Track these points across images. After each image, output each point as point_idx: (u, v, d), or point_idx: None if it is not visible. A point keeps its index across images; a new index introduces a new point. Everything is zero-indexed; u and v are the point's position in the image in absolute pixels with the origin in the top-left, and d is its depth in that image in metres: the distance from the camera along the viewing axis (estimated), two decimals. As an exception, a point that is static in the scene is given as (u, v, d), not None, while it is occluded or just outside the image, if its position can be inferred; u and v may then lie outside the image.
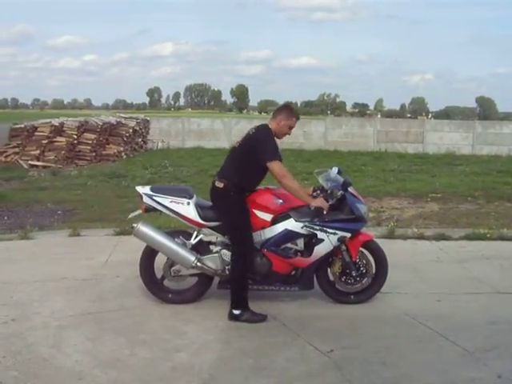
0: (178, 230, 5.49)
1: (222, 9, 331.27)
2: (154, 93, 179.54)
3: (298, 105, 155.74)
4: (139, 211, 5.31)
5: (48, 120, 20.17)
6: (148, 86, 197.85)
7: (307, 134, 26.92)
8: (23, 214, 9.89)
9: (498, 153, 25.95)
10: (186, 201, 5.14)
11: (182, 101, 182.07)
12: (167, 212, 5.18)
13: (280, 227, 5.07)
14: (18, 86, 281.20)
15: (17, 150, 18.74)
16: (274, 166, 4.91)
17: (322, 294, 5.36)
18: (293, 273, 5.24)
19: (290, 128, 5.17)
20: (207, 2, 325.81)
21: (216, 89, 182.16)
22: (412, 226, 8.54)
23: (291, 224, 5.07)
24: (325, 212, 4.99)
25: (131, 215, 5.40)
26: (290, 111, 5.21)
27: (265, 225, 5.08)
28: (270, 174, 5.03)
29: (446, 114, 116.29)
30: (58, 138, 19.07)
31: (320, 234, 5.07)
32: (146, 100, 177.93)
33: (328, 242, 5.08)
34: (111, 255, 6.77)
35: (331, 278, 5.33)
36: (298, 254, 5.12)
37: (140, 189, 5.30)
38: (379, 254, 5.35)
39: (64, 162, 18.51)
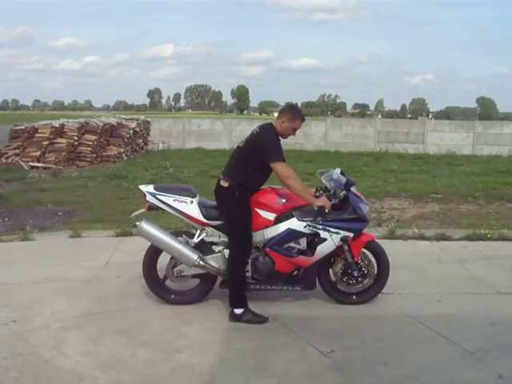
0: (181, 230, 5.47)
1: (222, 10, 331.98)
2: (154, 94, 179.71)
3: (299, 105, 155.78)
4: (142, 210, 5.32)
5: (48, 121, 20.17)
6: (148, 88, 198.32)
7: (308, 135, 26.90)
8: (24, 215, 9.89)
9: (499, 153, 25.94)
10: (189, 199, 5.15)
11: (182, 102, 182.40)
12: (170, 211, 5.19)
13: (283, 226, 5.07)
14: (18, 88, 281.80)
15: (17, 151, 18.73)
16: (278, 166, 4.91)
17: (323, 294, 5.37)
18: (295, 273, 5.25)
19: (294, 130, 5.14)
20: (208, 3, 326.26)
21: (216, 90, 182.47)
22: (413, 227, 8.54)
23: (294, 223, 5.07)
24: (327, 211, 4.99)
25: (134, 214, 5.41)
26: (294, 113, 5.16)
27: (268, 224, 5.08)
28: (273, 174, 5.04)
29: (447, 115, 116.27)
30: (59, 140, 19.06)
31: (323, 234, 5.07)
32: (147, 101, 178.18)
33: (331, 241, 5.08)
34: (112, 256, 6.77)
35: (333, 278, 5.34)
36: (301, 253, 5.13)
37: (143, 187, 5.31)
38: (381, 254, 5.35)
39: (64, 164, 18.50)
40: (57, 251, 7.11)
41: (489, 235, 7.83)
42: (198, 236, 5.20)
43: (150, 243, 5.24)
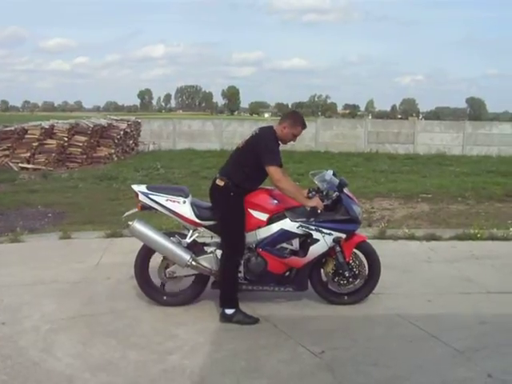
0: (173, 230, 5.45)
1: (214, 11, 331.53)
2: (145, 95, 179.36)
3: (290, 106, 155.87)
4: (135, 210, 5.31)
5: (38, 122, 20.08)
6: (139, 88, 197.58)
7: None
8: (13, 216, 9.83)
9: (488, 153, 26.14)
10: (181, 199, 5.14)
11: (173, 103, 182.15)
12: (163, 210, 5.18)
13: (275, 227, 5.08)
14: (8, 89, 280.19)
15: (7, 152, 18.63)
16: (271, 170, 4.90)
17: (314, 295, 5.37)
18: (287, 273, 5.25)
19: (295, 136, 5.12)
20: (199, 4, 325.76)
21: (207, 90, 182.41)
22: (403, 227, 8.56)
23: (287, 224, 5.07)
24: (319, 211, 5.00)
25: (126, 214, 5.39)
26: (295, 119, 5.12)
27: (260, 224, 5.08)
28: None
29: (437, 115, 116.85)
30: (49, 141, 18.98)
31: (315, 234, 5.08)
32: (137, 102, 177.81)
33: (323, 242, 5.09)
34: (102, 258, 6.74)
35: (324, 278, 5.35)
36: (293, 254, 5.13)
37: (136, 187, 5.29)
38: (372, 255, 5.37)
39: (55, 165, 18.42)
40: (47, 253, 7.08)
41: (478, 235, 7.87)
42: (191, 236, 5.19)
43: (141, 244, 5.23)
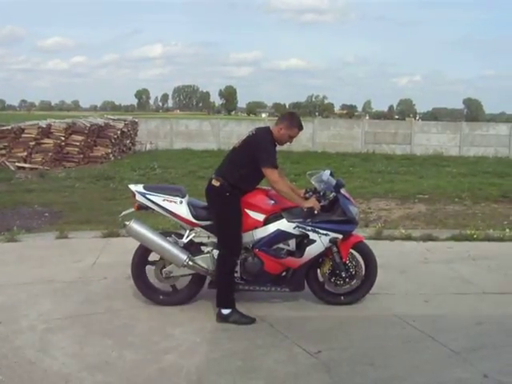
0: (170, 230, 5.45)
1: (212, 10, 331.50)
2: (142, 94, 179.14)
3: (287, 106, 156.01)
4: (131, 209, 5.30)
5: (35, 122, 20.01)
6: (136, 88, 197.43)
7: (295, 136, 26.91)
8: (10, 216, 9.81)
9: (485, 154, 26.20)
10: (178, 199, 5.14)
11: (170, 102, 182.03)
12: (160, 210, 5.17)
13: (272, 227, 5.08)
14: (4, 88, 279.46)
15: (3, 151, 18.58)
16: (267, 171, 4.91)
17: (311, 295, 5.37)
18: (283, 274, 5.25)
19: (291, 137, 5.12)
20: (197, 4, 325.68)
21: (204, 90, 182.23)
22: (399, 227, 8.57)
23: (283, 224, 5.08)
24: (316, 212, 5.01)
25: (123, 213, 5.39)
26: (292, 121, 5.11)
27: (257, 225, 5.09)
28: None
29: (434, 116, 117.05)
30: (46, 140, 18.94)
31: (312, 235, 5.08)
32: (135, 102, 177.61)
33: (320, 242, 5.10)
34: (99, 257, 6.74)
35: (321, 278, 5.35)
36: (290, 254, 5.14)
37: (133, 187, 5.28)
38: (369, 255, 5.37)
39: (51, 164, 18.39)
40: (43, 252, 7.07)
41: (475, 236, 7.88)
42: (187, 236, 5.19)
43: (138, 243, 5.22)
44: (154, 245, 5.09)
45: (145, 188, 5.25)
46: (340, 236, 5.14)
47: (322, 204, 5.09)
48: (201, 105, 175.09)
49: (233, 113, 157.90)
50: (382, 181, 15.16)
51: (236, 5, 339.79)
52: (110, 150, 20.67)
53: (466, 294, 5.76)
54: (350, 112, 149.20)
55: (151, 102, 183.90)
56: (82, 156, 19.40)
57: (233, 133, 26.69)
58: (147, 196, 5.16)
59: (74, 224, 8.84)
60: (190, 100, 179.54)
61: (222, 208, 5.01)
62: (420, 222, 9.56)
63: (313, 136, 27.99)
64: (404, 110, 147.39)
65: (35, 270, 6.23)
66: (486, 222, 9.32)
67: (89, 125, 20.29)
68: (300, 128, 5.15)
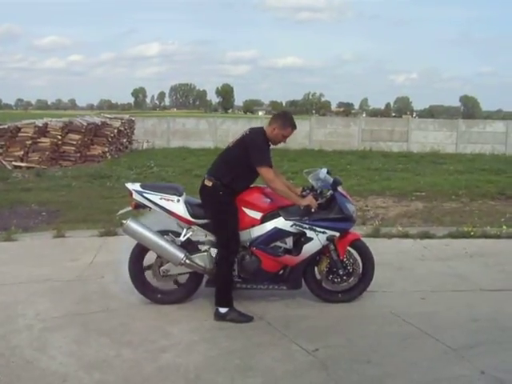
0: (167, 229, 5.45)
1: (208, 9, 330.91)
2: (139, 93, 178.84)
3: (284, 104, 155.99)
4: (128, 208, 5.30)
5: (32, 120, 19.98)
6: (133, 87, 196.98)
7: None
8: (7, 215, 9.79)
9: (482, 151, 26.24)
10: (175, 198, 5.14)
11: (167, 101, 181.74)
12: (157, 209, 5.17)
13: (269, 226, 5.08)
14: (1, 87, 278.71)
15: (0, 150, 18.55)
16: (262, 170, 4.92)
17: (308, 293, 5.38)
18: (281, 272, 5.26)
19: (285, 137, 5.11)
20: (194, 3, 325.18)
21: (201, 89, 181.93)
22: (397, 225, 8.58)
23: (280, 222, 5.08)
24: (313, 210, 5.01)
25: (120, 212, 5.39)
26: (285, 120, 5.11)
27: (254, 223, 5.09)
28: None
29: (431, 113, 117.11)
30: (42, 139, 18.89)
31: (309, 233, 5.09)
32: (131, 100, 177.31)
33: (317, 240, 5.10)
34: (96, 256, 6.73)
35: (318, 276, 5.36)
36: (287, 252, 5.14)
37: (130, 185, 5.28)
38: (366, 253, 5.38)
39: (48, 163, 18.35)
40: (40, 251, 7.06)
41: (472, 233, 7.90)
42: (185, 235, 5.19)
43: (135, 242, 5.22)
44: (152, 243, 5.09)
45: (142, 186, 5.24)
46: (337, 234, 5.14)
47: (319, 202, 5.10)
48: (198, 103, 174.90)
49: (230, 111, 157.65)
50: (379, 178, 15.16)
51: (233, 3, 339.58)
52: (106, 149, 20.64)
53: (462, 291, 5.77)
54: (346, 110, 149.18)
55: (148, 100, 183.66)
56: (78, 155, 19.37)
57: (230, 131, 26.69)
58: (144, 194, 5.16)
59: (71, 223, 8.82)
60: (187, 98, 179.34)
61: (217, 207, 5.01)
62: (417, 220, 9.57)
63: (309, 134, 28.01)
64: (401, 108, 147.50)
65: (32, 269, 6.22)
66: (483, 220, 9.34)
67: (85, 124, 20.25)
68: (293, 127, 5.14)
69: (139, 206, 5.23)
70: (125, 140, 23.68)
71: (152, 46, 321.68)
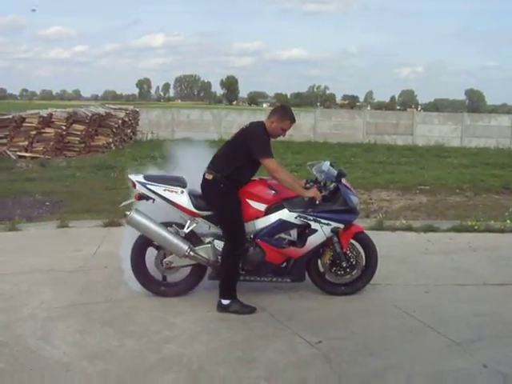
0: (171, 221, 5.45)
1: (214, 0, 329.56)
2: (143, 84, 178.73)
3: (288, 96, 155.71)
4: (132, 199, 5.29)
5: (36, 111, 19.98)
6: (138, 78, 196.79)
7: (297, 126, 26.69)
8: (11, 205, 9.81)
9: (487, 145, 26.13)
10: (179, 189, 5.13)
11: (171, 92, 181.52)
12: (160, 200, 5.16)
13: (274, 217, 5.08)
14: (6, 77, 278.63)
15: (4, 140, 18.55)
16: (266, 161, 4.93)
17: (312, 285, 5.38)
18: (284, 264, 5.26)
19: (283, 130, 5.10)
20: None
21: (206, 80, 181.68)
22: (400, 218, 8.57)
23: (285, 214, 5.08)
24: (317, 202, 5.01)
25: (124, 203, 5.38)
26: (284, 113, 5.10)
27: (259, 215, 5.09)
28: (262, 167, 5.05)
29: (436, 107, 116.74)
30: (47, 129, 18.90)
31: (314, 225, 5.09)
32: (136, 91, 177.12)
33: (321, 232, 5.10)
34: (100, 247, 6.74)
35: (321, 269, 5.36)
36: (292, 244, 5.14)
37: (133, 177, 5.26)
38: (369, 245, 5.38)
39: (52, 154, 18.36)
40: (44, 241, 7.08)
41: (476, 227, 7.89)
42: (188, 227, 5.18)
43: (138, 234, 5.21)
44: (155, 235, 5.09)
45: (145, 178, 5.23)
46: (341, 225, 5.14)
47: (323, 194, 5.10)
48: (202, 95, 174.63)
49: (234, 103, 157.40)
50: (384, 171, 15.12)
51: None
52: (111, 140, 20.64)
53: (466, 284, 5.76)
54: (351, 102, 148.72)
55: (152, 91, 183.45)
56: (83, 145, 19.37)
57: (234, 123, 26.64)
58: (148, 186, 5.15)
59: (75, 213, 8.84)
60: (192, 90, 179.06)
61: (219, 200, 5.01)
62: (421, 213, 9.56)
63: (314, 126, 27.98)
64: (406, 101, 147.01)
65: (36, 259, 6.24)
66: (487, 214, 9.31)
67: (90, 114, 20.24)
68: (292, 120, 5.12)
69: (143, 198, 5.22)
70: (129, 131, 23.67)
71: (157, 37, 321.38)
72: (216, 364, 4.01)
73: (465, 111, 49.22)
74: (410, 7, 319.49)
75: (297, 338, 4.44)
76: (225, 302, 4.92)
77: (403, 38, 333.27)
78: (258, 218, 5.09)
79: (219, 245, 5.09)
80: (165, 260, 5.20)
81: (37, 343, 4.25)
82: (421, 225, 8.05)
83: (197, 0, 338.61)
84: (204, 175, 5.08)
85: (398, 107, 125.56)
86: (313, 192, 5.05)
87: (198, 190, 5.22)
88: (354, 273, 5.33)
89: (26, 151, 18.23)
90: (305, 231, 5.13)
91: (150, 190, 5.14)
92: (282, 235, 5.13)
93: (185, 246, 5.05)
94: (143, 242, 5.23)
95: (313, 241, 5.12)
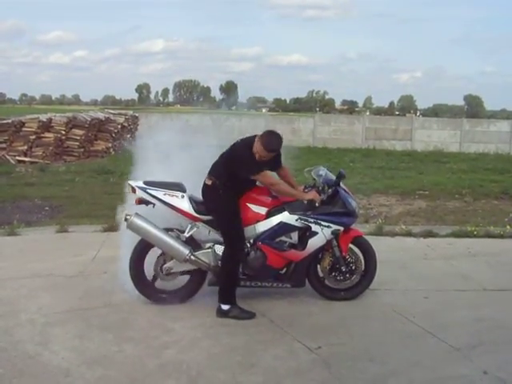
0: (171, 226, 5.43)
1: (213, 6, 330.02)
2: (143, 89, 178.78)
3: (287, 101, 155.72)
4: (132, 204, 5.27)
5: (36, 115, 19.96)
6: (137, 82, 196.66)
7: (296, 131, 26.97)
8: (10, 209, 9.80)
9: (486, 150, 26.15)
10: (180, 194, 5.13)
11: (170, 97, 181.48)
12: (161, 205, 5.15)
13: (275, 220, 5.09)
14: (5, 82, 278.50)
15: (4, 145, 18.53)
16: (258, 178, 4.98)
17: (311, 291, 5.37)
18: (284, 270, 5.25)
19: (261, 156, 4.94)
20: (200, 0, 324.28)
21: (205, 85, 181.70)
22: (400, 223, 8.58)
23: (286, 217, 5.09)
24: (317, 204, 5.02)
25: (123, 208, 5.36)
26: (267, 143, 4.92)
27: (259, 218, 5.10)
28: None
29: (434, 112, 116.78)
30: (46, 134, 18.88)
31: (314, 227, 5.10)
32: (135, 96, 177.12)
33: (322, 235, 5.11)
34: (99, 251, 6.73)
35: (321, 274, 5.36)
36: (292, 247, 5.15)
37: (133, 183, 5.26)
38: (369, 250, 5.39)
39: (52, 158, 18.34)
40: (43, 246, 7.07)
41: (475, 232, 7.90)
42: (189, 231, 5.17)
43: (138, 239, 5.20)
44: (156, 239, 5.08)
45: (145, 183, 5.23)
46: (341, 228, 5.16)
47: (321, 198, 5.11)
48: (201, 100, 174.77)
49: (233, 107, 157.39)
50: (383, 177, 15.14)
51: (238, 0, 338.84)
52: (110, 145, 20.63)
53: (465, 290, 5.76)
54: (350, 108, 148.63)
55: (152, 96, 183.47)
56: (82, 150, 19.35)
57: (234, 128, 26.66)
58: (148, 191, 5.15)
59: (74, 218, 8.82)
60: (191, 95, 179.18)
61: (219, 205, 5.02)
62: (420, 218, 9.56)
63: (313, 131, 27.98)
64: (405, 106, 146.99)
65: (35, 264, 6.22)
66: (487, 219, 9.32)
67: (89, 119, 20.24)
68: (270, 152, 4.96)
69: (143, 202, 5.21)
70: (128, 136, 23.66)
71: (156, 42, 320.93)
72: (215, 370, 4.00)
73: (464, 116, 49.31)
74: (409, 13, 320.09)
75: (296, 343, 4.43)
76: (224, 307, 4.92)
77: (402, 44, 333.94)
78: (258, 221, 5.09)
79: (220, 249, 5.09)
80: (164, 266, 5.19)
81: (35, 348, 4.24)
82: (420, 230, 8.05)
83: (196, 5, 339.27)
84: (204, 180, 5.08)
85: (397, 112, 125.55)
86: (312, 194, 5.08)
87: (197, 194, 5.22)
88: (353, 278, 5.33)
89: (26, 156, 18.21)
90: (305, 234, 5.13)
91: (150, 194, 5.13)
92: (283, 238, 5.14)
93: (185, 251, 5.04)
94: (143, 248, 5.21)
95: (313, 243, 5.12)
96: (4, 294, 5.33)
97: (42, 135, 18.83)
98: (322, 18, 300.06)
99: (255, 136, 5.06)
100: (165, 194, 5.12)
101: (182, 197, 5.13)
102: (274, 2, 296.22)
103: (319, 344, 4.39)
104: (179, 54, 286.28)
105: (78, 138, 19.35)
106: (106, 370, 3.95)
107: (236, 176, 4.96)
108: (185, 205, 5.11)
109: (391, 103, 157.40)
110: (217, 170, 5.07)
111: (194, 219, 5.14)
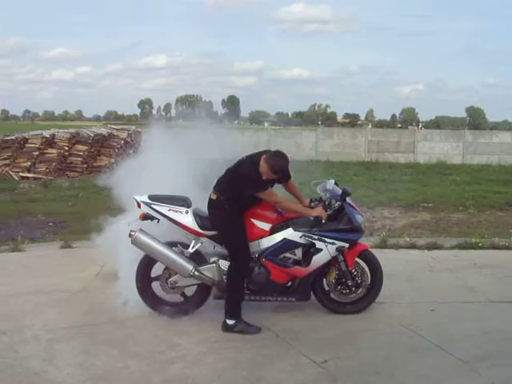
0: (176, 240, 5.43)
1: (215, 20, 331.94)
2: (145, 104, 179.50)
3: (290, 115, 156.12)
4: (136, 219, 5.26)
5: (39, 132, 20.09)
6: (139, 98, 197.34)
7: (298, 145, 26.97)
8: (14, 226, 9.82)
9: (489, 162, 26.14)
10: (184, 209, 5.13)
11: (173, 112, 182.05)
12: (165, 220, 5.15)
13: (279, 237, 5.08)
14: (8, 98, 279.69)
15: (7, 161, 18.62)
16: (263, 196, 4.97)
17: (316, 304, 5.35)
18: (289, 284, 5.24)
19: (267, 177, 4.93)
20: (201, 15, 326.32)
21: (207, 100, 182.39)
22: (404, 236, 8.57)
23: (290, 233, 5.08)
24: (323, 221, 5.01)
25: (128, 223, 5.36)
26: (272, 164, 4.89)
27: (263, 234, 5.09)
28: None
29: (437, 124, 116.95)
30: (49, 150, 18.97)
31: (318, 244, 5.08)
32: (138, 111, 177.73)
33: (326, 251, 5.09)
34: (103, 267, 6.71)
35: (326, 287, 5.33)
36: (296, 263, 5.12)
37: (138, 197, 5.26)
38: (374, 263, 5.36)
39: (55, 174, 18.41)
40: (48, 262, 7.05)
41: (480, 244, 7.87)
42: (193, 246, 5.17)
43: (143, 254, 5.20)
44: (160, 255, 5.07)
45: (150, 198, 5.23)
46: (346, 245, 5.13)
47: (328, 213, 5.09)
48: (204, 114, 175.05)
49: (236, 122, 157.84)
50: (386, 189, 15.13)
51: (239, 16, 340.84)
52: (113, 160, 20.68)
53: (472, 302, 5.73)
54: (352, 121, 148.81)
55: (154, 111, 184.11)
56: (85, 166, 19.42)
57: (236, 142, 26.67)
58: (152, 206, 5.15)
59: (78, 234, 8.81)
60: (193, 109, 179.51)
61: (223, 220, 5.02)
62: (424, 231, 9.54)
63: (316, 145, 27.98)
64: (407, 119, 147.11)
65: (39, 280, 6.22)
66: (491, 230, 9.30)
67: (92, 135, 20.32)
68: (275, 174, 4.95)
69: (147, 218, 5.21)
70: (131, 151, 23.68)
71: (159, 57, 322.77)
72: (221, 385, 3.98)
73: (466, 128, 49.33)
74: (410, 27, 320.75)
75: (302, 357, 4.40)
76: (230, 321, 4.89)
77: (404, 57, 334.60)
78: (262, 237, 5.08)
79: (224, 264, 5.08)
80: (170, 280, 5.18)
81: (40, 365, 4.22)
82: (425, 242, 8.03)
83: (198, 21, 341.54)
84: (210, 195, 5.09)
85: (399, 125, 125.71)
86: (318, 211, 5.06)
87: (203, 209, 5.22)
88: (359, 291, 5.31)
89: (29, 172, 18.28)
90: (310, 250, 5.11)
91: (154, 210, 5.14)
92: (287, 254, 5.12)
93: (190, 266, 5.03)
94: (148, 262, 5.20)
95: (318, 260, 5.10)
96: (9, 310, 5.31)
97: (46, 151, 18.91)
98: (324, 31, 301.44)
99: (260, 153, 5.05)
100: (169, 210, 5.13)
101: (187, 212, 5.13)
102: (276, 17, 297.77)
103: (325, 358, 4.36)
104: (181, 68, 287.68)
105: (81, 153, 19.42)
106: (112, 385, 3.93)
107: (241, 192, 4.96)
108: (189, 220, 5.11)
109: (393, 116, 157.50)
110: (222, 186, 5.07)
111: (199, 234, 5.14)
